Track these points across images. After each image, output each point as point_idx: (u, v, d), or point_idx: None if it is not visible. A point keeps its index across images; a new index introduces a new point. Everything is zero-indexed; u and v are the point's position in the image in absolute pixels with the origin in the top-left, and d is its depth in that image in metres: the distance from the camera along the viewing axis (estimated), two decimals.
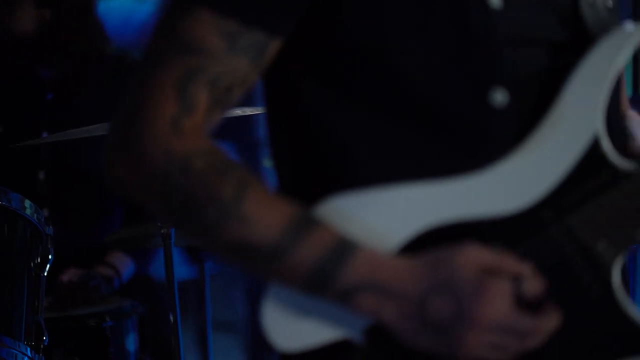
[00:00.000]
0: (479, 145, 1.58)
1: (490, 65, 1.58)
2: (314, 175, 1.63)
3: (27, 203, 2.96)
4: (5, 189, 2.92)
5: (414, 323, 1.51)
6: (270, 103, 1.70)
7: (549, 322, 1.53)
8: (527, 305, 1.52)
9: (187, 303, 3.85)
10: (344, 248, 1.52)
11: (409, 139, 1.58)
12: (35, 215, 2.99)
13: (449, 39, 1.56)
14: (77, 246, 3.65)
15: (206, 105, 1.55)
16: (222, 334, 4.38)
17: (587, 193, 1.57)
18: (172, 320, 3.22)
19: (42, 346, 2.94)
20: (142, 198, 1.57)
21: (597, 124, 1.58)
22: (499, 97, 1.58)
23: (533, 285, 1.53)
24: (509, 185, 1.57)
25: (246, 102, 2.47)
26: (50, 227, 3.05)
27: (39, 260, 3.02)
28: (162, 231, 3.18)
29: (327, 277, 1.52)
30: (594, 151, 1.58)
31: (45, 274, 3.03)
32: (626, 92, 1.96)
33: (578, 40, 1.65)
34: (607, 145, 1.58)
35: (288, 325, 1.58)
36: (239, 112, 3.10)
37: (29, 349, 2.88)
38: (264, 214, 1.52)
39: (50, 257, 3.03)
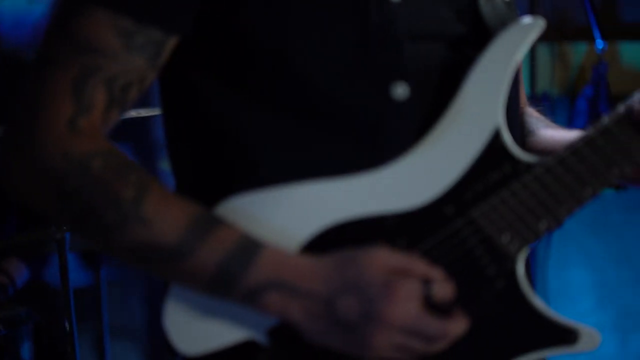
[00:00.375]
0: (381, 141, 1.58)
1: (391, 60, 1.58)
2: (215, 176, 1.61)
3: None
4: None
5: (321, 322, 1.50)
6: (167, 103, 1.68)
7: (457, 327, 1.53)
8: (435, 308, 1.52)
9: (83, 310, 3.79)
10: (248, 247, 1.51)
11: (311, 136, 1.57)
12: None
13: (350, 34, 1.56)
14: None
15: (103, 105, 1.52)
16: (120, 340, 4.32)
17: (490, 186, 1.59)
18: (67, 328, 3.16)
19: None
20: (40, 202, 1.53)
21: (497, 118, 1.59)
22: (400, 91, 1.58)
23: (443, 288, 1.53)
24: (411, 181, 1.57)
25: (141, 104, 2.43)
26: None
27: None
28: (57, 236, 3.12)
29: (232, 276, 1.50)
30: (495, 144, 1.59)
31: None
32: (524, 89, 1.99)
33: (477, 35, 1.67)
34: (507, 139, 1.60)
35: (190, 328, 1.56)
36: (133, 113, 3.06)
37: None
38: (165, 215, 1.50)
39: None
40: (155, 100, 1.73)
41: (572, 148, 1.61)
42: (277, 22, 1.55)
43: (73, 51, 1.51)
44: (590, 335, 1.60)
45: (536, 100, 4.33)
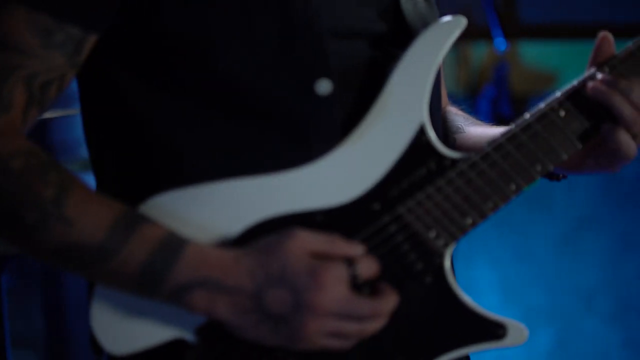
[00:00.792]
0: (307, 137, 1.57)
1: (315, 56, 1.57)
2: (139, 174, 1.59)
3: None
4: None
5: (250, 317, 1.49)
6: (88, 101, 1.64)
7: (387, 303, 1.53)
8: (362, 288, 1.52)
9: None
10: (173, 244, 1.48)
11: (237, 132, 1.56)
12: None
13: (273, 29, 1.55)
14: None
15: (23, 104, 1.48)
16: (21, 349, 4.23)
17: (416, 182, 1.59)
18: None
19: None
20: None
21: (422, 114, 1.60)
22: (323, 87, 1.57)
23: (367, 265, 1.53)
24: (338, 177, 1.57)
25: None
26: None
27: None
28: None
29: (157, 275, 1.47)
30: (420, 140, 1.59)
31: None
32: (446, 88, 2.00)
33: (399, 33, 1.67)
34: (432, 135, 1.60)
35: (117, 328, 1.53)
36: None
37: None
38: (88, 214, 1.47)
39: None
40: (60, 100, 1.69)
41: (495, 143, 1.62)
42: (199, 18, 1.53)
43: None
44: (519, 330, 1.61)
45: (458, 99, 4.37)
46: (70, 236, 1.46)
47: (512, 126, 1.65)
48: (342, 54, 1.59)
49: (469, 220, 1.60)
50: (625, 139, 1.65)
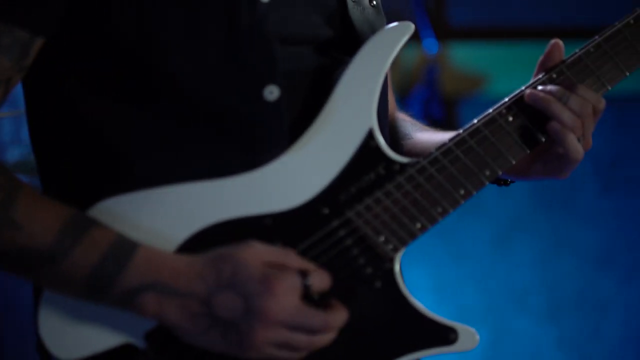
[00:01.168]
0: (256, 141, 1.56)
1: (262, 63, 1.56)
2: (86, 178, 1.56)
3: None
4: None
5: (200, 321, 1.47)
6: (34, 105, 1.61)
7: (338, 317, 1.52)
8: (314, 301, 1.51)
9: None
10: (123, 248, 1.47)
11: (185, 137, 1.54)
12: None
13: (220, 35, 1.53)
14: None
15: None
16: None
17: (365, 187, 1.58)
18: None
19: None
20: None
21: (371, 119, 1.59)
22: (271, 92, 1.56)
23: (319, 278, 1.52)
24: (288, 181, 1.56)
25: None
26: None
27: None
28: None
29: (107, 278, 1.46)
30: (368, 145, 1.59)
31: None
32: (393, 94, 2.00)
33: (346, 39, 1.67)
34: (381, 140, 1.60)
35: (66, 334, 1.51)
36: None
37: None
38: (36, 217, 1.45)
39: None
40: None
41: (443, 148, 1.63)
42: (146, 22, 1.51)
43: None
44: (470, 334, 1.60)
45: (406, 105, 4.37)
46: (18, 240, 1.45)
47: (460, 131, 1.65)
48: (289, 60, 1.58)
49: (418, 225, 1.60)
50: (572, 142, 1.65)
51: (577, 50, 1.70)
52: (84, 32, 1.52)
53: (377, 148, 1.59)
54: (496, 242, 4.59)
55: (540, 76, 1.69)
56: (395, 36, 1.62)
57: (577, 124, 1.65)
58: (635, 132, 4.53)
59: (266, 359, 1.50)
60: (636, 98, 3.99)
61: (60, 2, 1.49)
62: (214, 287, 1.47)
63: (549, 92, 1.66)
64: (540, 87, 1.67)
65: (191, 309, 1.47)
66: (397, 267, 1.59)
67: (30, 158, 1.69)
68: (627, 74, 1.73)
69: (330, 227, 1.56)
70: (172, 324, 1.48)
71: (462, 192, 1.62)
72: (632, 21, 1.72)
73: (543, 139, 1.67)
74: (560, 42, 1.70)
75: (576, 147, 1.66)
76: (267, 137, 1.57)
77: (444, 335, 1.59)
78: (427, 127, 1.93)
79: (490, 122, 1.65)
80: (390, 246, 1.58)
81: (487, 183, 1.65)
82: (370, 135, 1.59)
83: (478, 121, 1.65)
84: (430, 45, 4.33)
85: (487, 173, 1.64)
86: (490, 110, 1.67)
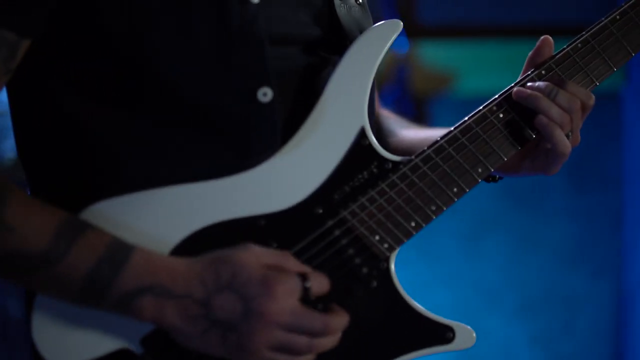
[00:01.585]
0: (249, 143, 1.55)
1: (256, 64, 1.54)
2: (76, 182, 1.54)
3: None
4: None
5: (199, 324, 1.46)
6: (21, 108, 1.59)
7: (338, 320, 1.51)
8: (313, 304, 1.50)
9: None
10: (120, 250, 1.45)
11: (178, 139, 1.52)
12: None
13: (211, 35, 1.51)
14: None
15: None
16: None
17: (359, 186, 1.57)
18: None
19: None
20: None
21: (363, 117, 1.59)
22: (264, 93, 1.55)
23: (318, 281, 1.51)
24: (281, 182, 1.55)
25: None
26: None
27: None
28: None
29: (104, 281, 1.44)
30: (361, 144, 1.58)
31: None
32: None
33: (334, 38, 1.66)
34: (373, 139, 1.59)
35: (60, 340, 1.49)
36: None
37: None
38: (30, 221, 1.43)
39: None
40: None
41: (435, 145, 1.62)
42: (136, 22, 1.49)
43: None
44: (467, 332, 1.60)
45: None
46: (12, 244, 1.43)
47: (451, 128, 1.64)
48: (280, 61, 1.57)
49: (413, 223, 1.59)
50: (559, 137, 1.65)
51: (565, 46, 1.70)
52: (72, 32, 1.50)
53: (370, 146, 1.59)
54: (467, 241, 4.60)
55: (529, 72, 1.69)
56: (384, 34, 1.62)
57: (565, 120, 1.65)
58: (604, 129, 4.56)
59: None
60: (606, 95, 4.01)
61: (47, 3, 1.47)
62: (213, 289, 1.45)
63: (538, 89, 1.65)
64: (529, 84, 1.67)
65: (189, 310, 1.45)
66: (392, 267, 1.58)
67: None
68: (615, 69, 1.72)
69: (324, 227, 1.55)
70: (170, 326, 1.46)
71: (455, 189, 1.62)
72: (618, 16, 1.72)
73: (533, 136, 1.67)
74: (550, 38, 1.70)
75: (564, 143, 1.66)
76: (261, 138, 1.55)
77: (442, 334, 1.59)
78: (411, 124, 1.93)
79: (481, 119, 1.65)
80: (386, 245, 1.57)
81: (480, 180, 1.64)
82: (362, 134, 1.58)
83: (469, 118, 1.65)
84: (400, 43, 4.32)
85: (480, 170, 1.63)
86: (481, 107, 1.66)
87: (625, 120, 4.57)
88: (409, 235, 1.59)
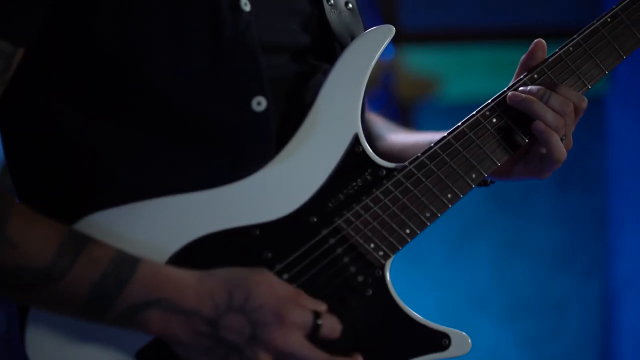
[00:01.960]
0: (243, 153, 1.54)
1: (250, 72, 1.54)
2: (69, 193, 1.53)
3: None
4: None
5: (204, 341, 1.45)
6: (10, 120, 1.57)
7: None
8: (320, 343, 1.49)
9: None
10: (125, 263, 1.44)
11: (172, 149, 1.52)
12: None
13: (205, 44, 1.51)
14: None
15: None
16: None
17: (353, 194, 1.57)
18: None
19: None
20: None
21: (356, 124, 1.59)
22: (258, 103, 1.54)
23: (330, 321, 1.50)
24: (275, 191, 1.55)
25: None
26: None
27: None
28: None
29: (109, 295, 1.43)
30: (354, 151, 1.58)
31: None
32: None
33: (325, 44, 1.66)
34: (366, 146, 1.59)
35: (55, 355, 1.48)
36: None
37: None
38: (32, 236, 1.42)
39: None
40: None
41: (429, 152, 1.62)
42: (130, 32, 1.48)
43: None
44: (462, 339, 1.60)
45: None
46: (14, 259, 1.42)
47: (444, 133, 1.64)
48: (273, 69, 1.57)
49: (407, 231, 1.59)
50: (555, 142, 1.65)
51: (557, 50, 1.70)
52: (64, 41, 1.49)
53: (363, 153, 1.58)
54: (453, 245, 4.60)
55: (521, 76, 1.69)
56: (376, 40, 1.62)
57: (559, 123, 1.65)
58: (590, 131, 4.56)
59: None
60: (590, 97, 4.03)
61: (39, 13, 1.46)
62: (224, 309, 1.44)
63: (531, 93, 1.65)
64: (521, 88, 1.67)
65: (196, 326, 1.45)
66: (387, 274, 1.58)
67: None
68: (607, 72, 1.72)
69: (319, 235, 1.55)
70: (174, 339, 1.46)
71: (449, 195, 1.61)
72: (609, 19, 1.73)
73: (526, 140, 1.67)
74: (543, 41, 1.70)
75: (560, 148, 1.66)
76: (255, 147, 1.55)
77: (438, 341, 1.59)
78: (399, 128, 1.93)
79: (474, 124, 1.65)
80: (381, 253, 1.57)
81: (474, 186, 1.64)
82: (355, 141, 1.58)
83: (462, 123, 1.64)
84: (386, 50, 4.31)
85: (474, 175, 1.63)
86: (474, 112, 1.66)
87: (610, 122, 4.58)
88: (404, 242, 1.59)
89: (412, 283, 4.55)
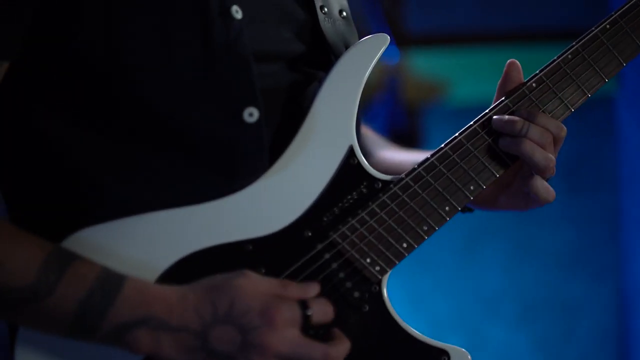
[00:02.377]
0: (235, 165, 1.52)
1: (241, 83, 1.51)
2: (57, 208, 1.51)
3: None
4: None
5: (196, 355, 1.42)
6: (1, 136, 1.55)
7: (340, 348, 1.47)
8: (315, 331, 1.47)
9: None
10: (111, 281, 1.42)
11: (162, 162, 1.49)
12: None
13: (195, 53, 1.48)
14: None
15: None
16: None
17: (348, 207, 1.54)
18: None
19: None
20: None
21: (351, 136, 1.56)
22: (250, 114, 1.51)
23: (321, 308, 1.47)
24: (269, 205, 1.52)
25: None
26: None
27: None
28: None
29: (95, 313, 1.40)
30: (349, 164, 1.55)
31: None
32: None
33: (319, 53, 1.63)
34: (362, 158, 1.56)
35: None
36: None
37: None
38: (17, 254, 1.40)
39: None
40: None
41: (426, 164, 1.58)
42: (115, 41, 1.45)
43: None
44: (462, 355, 1.59)
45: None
46: (0, 277, 1.40)
47: (442, 145, 1.61)
48: (265, 78, 1.54)
49: (404, 245, 1.56)
50: (542, 185, 1.62)
51: (555, 57, 1.67)
52: (49, 53, 1.46)
53: (359, 166, 1.56)
54: (464, 249, 4.58)
55: (502, 99, 1.64)
56: (371, 49, 1.59)
57: (550, 162, 1.61)
58: (600, 132, 4.54)
59: None
60: (600, 98, 3.99)
61: (20, 26, 1.44)
62: (210, 321, 1.42)
63: (514, 130, 1.60)
64: (499, 117, 1.61)
65: (186, 342, 1.42)
66: (384, 290, 1.55)
67: None
68: (607, 80, 1.68)
69: (314, 250, 1.52)
70: (166, 357, 1.43)
71: (447, 208, 1.58)
72: (608, 26, 1.69)
73: (512, 162, 1.63)
74: (516, 62, 1.66)
75: (547, 189, 1.63)
76: (247, 159, 1.52)
77: (436, 358, 1.56)
78: (388, 143, 1.90)
79: (472, 135, 1.61)
80: (377, 268, 1.54)
81: (472, 198, 1.60)
82: (350, 153, 1.55)
83: (459, 134, 1.61)
84: (390, 53, 4.29)
85: (472, 187, 1.60)
86: (472, 123, 1.63)
87: (620, 123, 4.54)
88: (400, 257, 1.56)
89: (424, 288, 4.53)
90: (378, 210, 1.55)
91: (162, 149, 1.49)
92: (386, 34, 1.60)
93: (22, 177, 1.54)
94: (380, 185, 1.56)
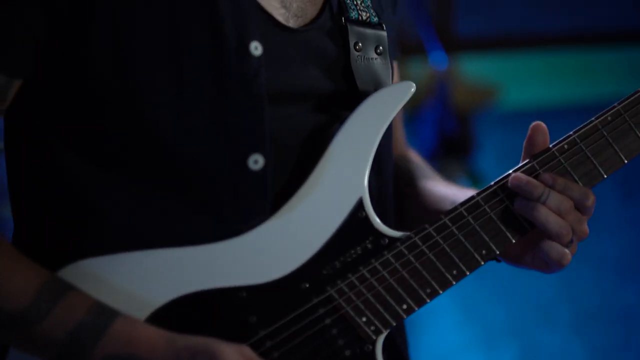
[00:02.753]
0: (236, 210, 1.48)
1: (250, 126, 1.46)
2: (61, 235, 1.49)
3: None
4: None
5: None
6: (13, 155, 1.55)
7: None
8: None
9: None
10: (101, 316, 1.41)
11: (165, 200, 1.46)
12: None
13: (205, 91, 1.44)
14: None
15: None
16: None
17: (350, 262, 1.49)
18: None
19: None
20: None
21: (362, 187, 1.50)
22: (256, 161, 1.47)
23: None
24: (266, 252, 1.47)
25: None
26: None
27: None
28: None
29: (83, 346, 1.40)
30: (357, 217, 1.50)
31: None
32: (403, 131, 1.88)
33: (345, 93, 1.56)
34: (371, 211, 1.50)
35: None
36: None
37: None
38: (13, 279, 1.40)
39: None
40: None
41: (438, 223, 1.52)
42: (126, 74, 1.43)
43: None
44: None
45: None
46: None
47: (458, 204, 1.55)
48: (278, 121, 1.49)
49: (404, 306, 1.50)
50: (554, 250, 1.56)
51: (566, 137, 1.58)
52: (59, 81, 1.45)
53: (366, 219, 1.50)
54: None
55: (527, 161, 1.57)
56: (394, 97, 1.53)
57: (564, 229, 1.55)
58: None
59: None
60: None
61: (31, 45, 1.43)
62: None
63: (531, 196, 1.54)
64: (517, 178, 1.54)
65: None
66: (378, 351, 1.49)
67: None
68: (627, 161, 1.60)
69: (309, 304, 1.48)
70: None
71: (455, 272, 1.52)
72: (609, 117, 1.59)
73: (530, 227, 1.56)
74: (542, 124, 1.57)
75: (562, 254, 1.57)
76: (249, 205, 1.48)
77: None
78: (433, 174, 1.81)
79: (490, 196, 1.55)
80: (372, 328, 1.49)
81: (482, 263, 1.53)
82: (360, 206, 1.50)
83: (477, 195, 1.54)
84: (439, 59, 4.25)
85: (484, 252, 1.53)
86: (492, 183, 1.56)
87: None
88: (399, 318, 1.50)
89: (479, 296, 4.48)
90: (380, 269, 1.49)
91: (164, 185, 1.46)
92: (411, 82, 1.54)
93: (28, 201, 1.53)
94: (386, 241, 1.50)
